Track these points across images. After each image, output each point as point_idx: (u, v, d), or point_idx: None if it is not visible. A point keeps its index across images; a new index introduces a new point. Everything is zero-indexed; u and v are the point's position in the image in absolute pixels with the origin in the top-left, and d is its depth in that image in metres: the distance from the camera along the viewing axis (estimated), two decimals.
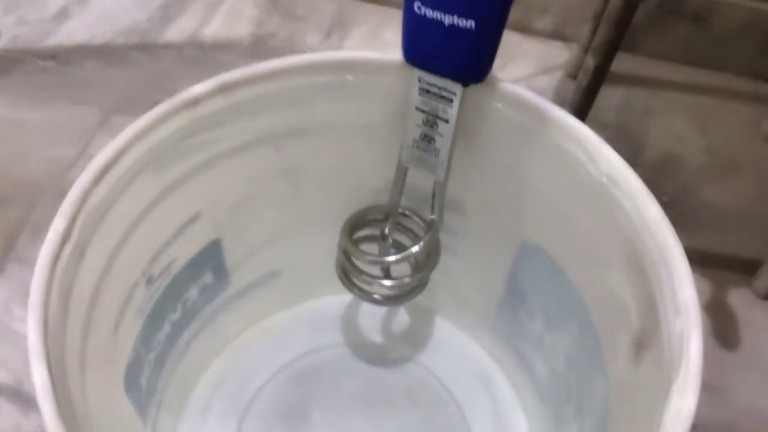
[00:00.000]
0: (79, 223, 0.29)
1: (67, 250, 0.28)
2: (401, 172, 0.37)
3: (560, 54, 0.69)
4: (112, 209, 0.30)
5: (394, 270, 0.39)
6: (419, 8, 0.30)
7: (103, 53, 0.68)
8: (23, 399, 0.45)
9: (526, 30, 0.70)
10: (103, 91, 0.65)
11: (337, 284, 0.40)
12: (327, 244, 0.39)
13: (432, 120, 0.34)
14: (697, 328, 0.27)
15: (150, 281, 0.34)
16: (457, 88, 0.32)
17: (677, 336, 0.27)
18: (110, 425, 0.31)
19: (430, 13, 0.30)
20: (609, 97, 0.65)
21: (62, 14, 0.71)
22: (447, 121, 0.33)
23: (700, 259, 0.57)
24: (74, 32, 0.70)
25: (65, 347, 0.27)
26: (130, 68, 0.67)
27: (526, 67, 0.67)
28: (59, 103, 0.64)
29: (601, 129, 0.32)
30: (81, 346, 0.29)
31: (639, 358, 0.30)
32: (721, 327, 0.55)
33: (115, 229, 0.31)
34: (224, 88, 0.33)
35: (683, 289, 0.27)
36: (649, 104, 0.67)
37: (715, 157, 0.64)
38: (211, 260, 0.38)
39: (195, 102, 0.32)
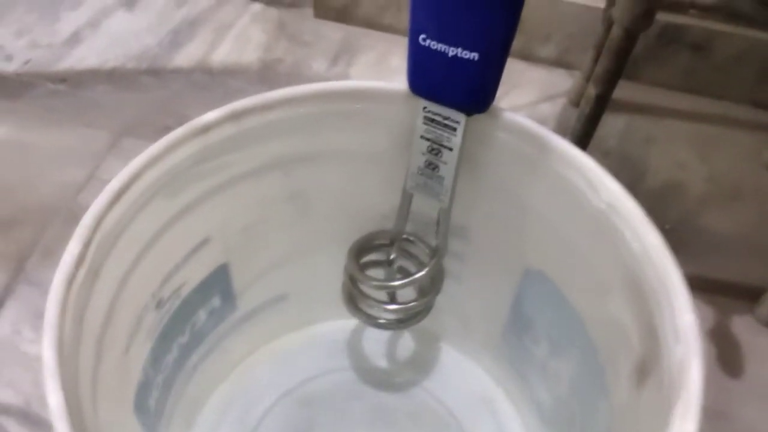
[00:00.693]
0: (93, 247, 0.29)
1: (82, 272, 0.29)
2: (406, 198, 0.37)
3: (563, 82, 0.70)
4: (125, 233, 0.31)
5: (400, 295, 0.40)
6: (424, 40, 0.31)
7: (114, 77, 0.69)
8: (32, 421, 0.46)
9: (529, 58, 0.71)
10: (113, 114, 0.66)
11: (343, 309, 0.40)
12: (334, 268, 0.40)
13: (436, 148, 0.34)
14: (697, 354, 0.27)
15: (160, 304, 0.35)
16: (461, 117, 0.33)
17: (678, 362, 0.27)
18: None
19: (434, 45, 0.31)
20: (611, 124, 0.66)
21: (74, 39, 0.73)
22: (451, 150, 0.34)
23: (702, 287, 0.58)
24: (85, 56, 0.71)
25: (79, 369, 0.28)
26: (140, 92, 0.68)
27: (529, 95, 0.68)
28: (70, 127, 0.65)
29: (602, 156, 0.33)
30: (94, 368, 0.30)
31: (641, 384, 0.31)
32: (725, 354, 0.55)
33: (127, 252, 0.32)
34: (235, 116, 0.33)
35: (683, 316, 0.28)
36: (651, 132, 0.67)
37: (717, 185, 0.64)
38: (219, 284, 0.39)
39: (206, 129, 0.33)
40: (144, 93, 0.68)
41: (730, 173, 0.65)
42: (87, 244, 0.29)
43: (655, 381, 0.29)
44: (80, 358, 0.28)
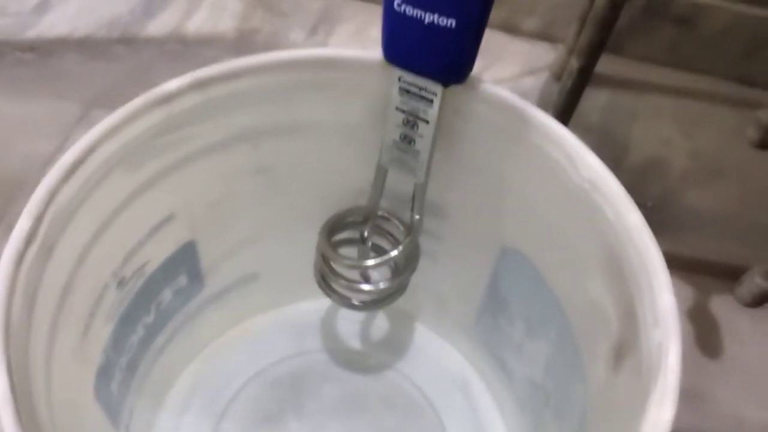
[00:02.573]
0: (45, 222, 0.28)
1: (33, 249, 0.27)
2: (381, 173, 0.36)
3: (546, 55, 0.68)
4: (81, 208, 0.29)
5: (373, 274, 0.39)
6: (399, 5, 0.29)
7: (84, 46, 0.67)
8: None
9: (512, 30, 0.69)
10: (83, 84, 0.64)
11: (316, 288, 0.39)
12: (306, 246, 0.39)
13: (412, 121, 0.33)
14: (675, 338, 0.26)
15: (122, 283, 0.33)
16: (437, 88, 0.31)
17: (656, 345, 0.27)
18: (78, 430, 0.30)
19: (410, 10, 0.29)
20: (593, 99, 0.65)
21: (43, 6, 0.70)
22: (427, 122, 0.33)
23: (683, 265, 0.57)
24: (55, 24, 0.69)
25: (29, 351, 0.27)
26: (111, 62, 0.66)
27: (512, 68, 0.67)
28: (38, 97, 0.63)
29: (585, 132, 0.32)
30: (47, 350, 0.28)
31: (618, 366, 0.30)
32: (704, 334, 0.55)
33: (84, 228, 0.30)
34: (200, 84, 0.32)
35: (662, 298, 0.27)
36: (634, 107, 0.66)
37: (700, 162, 0.64)
38: (185, 262, 0.37)
39: (169, 98, 0.31)
40: (115, 63, 0.66)
41: (713, 150, 0.65)
42: (39, 220, 0.27)
43: (632, 364, 0.29)
44: (31, 339, 0.27)
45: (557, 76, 0.65)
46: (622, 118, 0.65)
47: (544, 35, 0.69)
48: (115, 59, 0.66)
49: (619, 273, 0.30)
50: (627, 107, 0.66)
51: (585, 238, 0.32)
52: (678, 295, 0.27)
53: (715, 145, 0.65)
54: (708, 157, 0.64)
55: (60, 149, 0.58)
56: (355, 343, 0.46)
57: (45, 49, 0.67)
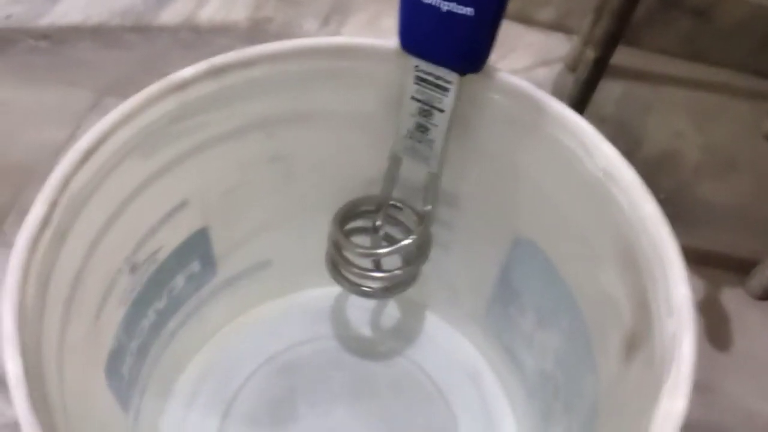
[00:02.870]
0: (60, 208, 0.28)
1: (47, 234, 0.27)
2: (394, 162, 0.36)
3: (561, 46, 0.68)
4: (95, 194, 0.30)
5: (385, 263, 0.39)
6: None
7: (98, 34, 0.67)
8: (6, 386, 0.44)
9: (527, 21, 0.69)
10: (96, 72, 0.64)
11: (327, 276, 0.39)
12: (318, 234, 0.39)
13: (427, 110, 0.33)
14: (690, 328, 0.26)
15: (134, 269, 0.34)
16: (453, 77, 0.31)
17: (669, 336, 0.26)
18: (88, 414, 0.31)
19: None
20: (608, 91, 0.64)
21: None
22: (442, 111, 0.32)
23: (695, 258, 0.56)
24: (68, 12, 0.68)
25: (42, 334, 0.27)
26: (124, 50, 0.66)
27: (526, 59, 0.66)
28: (51, 85, 0.63)
29: (599, 123, 0.31)
30: (59, 334, 0.28)
31: (630, 358, 0.30)
32: (714, 327, 0.55)
33: (98, 214, 0.30)
34: (215, 72, 0.32)
35: (677, 289, 0.27)
36: (649, 99, 0.66)
37: (714, 155, 0.63)
38: (198, 248, 0.37)
39: (184, 85, 0.31)
40: (128, 51, 0.66)
41: (727, 143, 0.64)
42: (53, 205, 0.27)
43: (644, 356, 0.28)
44: (45, 323, 0.27)
45: (571, 68, 0.65)
46: (637, 110, 0.65)
47: (558, 26, 0.69)
48: (128, 47, 0.67)
49: (633, 263, 0.29)
50: (642, 99, 0.66)
51: (599, 229, 0.31)
52: (689, 287, 0.27)
53: (729, 138, 0.65)
54: (722, 150, 0.64)
55: (72, 137, 0.58)
56: (366, 331, 0.46)
57: (58, 37, 0.67)
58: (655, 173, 0.63)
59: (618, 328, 0.31)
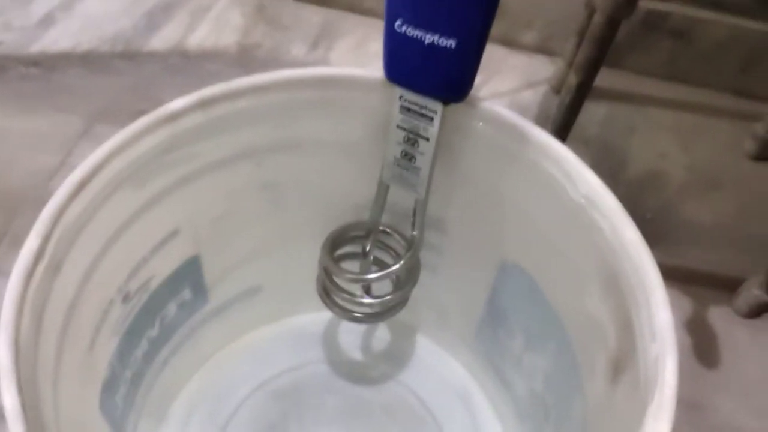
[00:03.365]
0: (53, 241, 0.28)
1: (41, 267, 0.28)
2: (382, 189, 0.37)
3: (545, 68, 0.69)
4: (88, 225, 0.30)
5: (375, 288, 0.39)
6: (400, 26, 0.30)
7: (88, 61, 0.68)
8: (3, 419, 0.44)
9: (510, 44, 0.70)
10: (86, 99, 0.64)
11: (318, 301, 0.40)
12: (308, 260, 0.39)
13: (413, 138, 0.34)
14: (672, 352, 0.27)
15: (127, 298, 0.34)
16: (437, 106, 0.32)
17: (653, 360, 0.27)
18: None
19: (411, 31, 0.30)
20: (592, 112, 0.66)
21: (47, 21, 0.71)
22: (428, 140, 0.33)
23: (681, 277, 0.57)
24: (59, 39, 0.69)
25: (37, 366, 0.27)
26: (114, 76, 0.67)
27: (511, 82, 0.68)
28: (42, 111, 0.63)
29: (583, 145, 0.32)
30: (54, 365, 0.29)
31: (616, 380, 0.30)
32: (702, 345, 0.55)
33: (91, 245, 0.31)
34: (204, 104, 0.32)
35: (659, 313, 0.27)
36: (632, 120, 0.67)
37: (698, 174, 0.64)
38: (189, 276, 0.38)
39: (174, 117, 0.32)
40: (118, 77, 0.67)
41: (711, 162, 0.65)
42: (46, 239, 0.28)
43: (629, 378, 0.29)
44: (39, 355, 0.27)
45: (556, 90, 0.66)
46: (621, 131, 0.66)
47: (542, 49, 0.70)
48: (118, 73, 0.67)
49: (616, 288, 0.30)
50: (625, 120, 0.67)
51: (583, 254, 0.32)
52: (676, 306, 0.27)
53: (712, 157, 0.66)
54: (705, 169, 0.65)
55: (63, 163, 0.58)
56: (357, 355, 0.46)
57: (49, 64, 0.67)
58: (640, 193, 0.64)
59: (603, 351, 0.31)
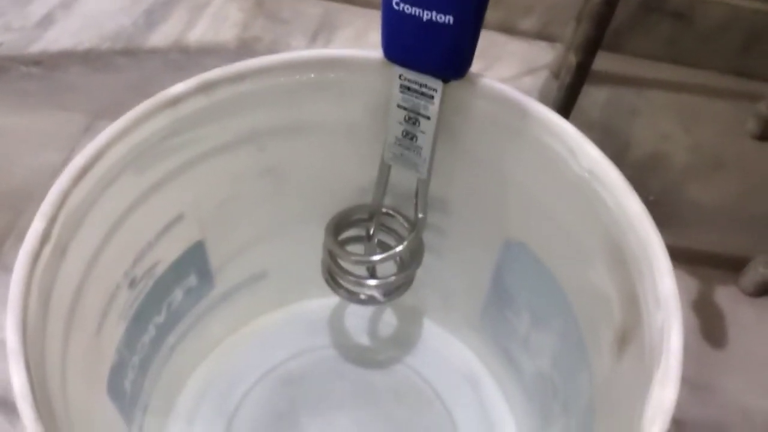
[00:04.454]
0: (59, 224, 0.28)
1: (47, 250, 0.28)
2: (384, 170, 0.37)
3: (545, 54, 0.69)
4: (93, 210, 0.30)
5: (380, 269, 0.39)
6: (397, 4, 0.30)
7: (88, 59, 0.68)
8: (9, 408, 0.45)
9: (510, 30, 0.70)
10: (88, 96, 0.64)
11: (324, 286, 0.40)
12: (313, 245, 0.39)
13: (414, 117, 0.34)
14: (677, 320, 0.27)
15: (133, 283, 0.34)
16: (437, 84, 0.32)
17: (658, 329, 0.27)
18: (92, 429, 0.31)
19: (408, 9, 0.30)
20: (594, 96, 0.66)
21: (47, 20, 0.71)
22: (428, 118, 0.33)
23: (686, 258, 0.57)
24: (59, 38, 0.69)
25: (45, 349, 0.27)
26: (115, 73, 0.67)
27: (511, 68, 0.68)
28: (44, 110, 0.64)
29: (586, 129, 0.32)
30: (62, 349, 0.29)
31: (622, 353, 0.30)
32: (709, 325, 0.55)
33: (96, 229, 0.31)
34: (205, 87, 0.32)
35: (663, 282, 0.27)
36: (634, 103, 0.67)
37: (701, 156, 0.64)
38: (195, 262, 0.38)
39: (176, 101, 0.32)
40: (119, 74, 0.67)
41: (713, 143, 0.65)
42: (52, 221, 0.28)
43: (635, 350, 0.29)
44: (47, 338, 0.27)
45: (556, 75, 0.66)
46: (623, 115, 0.66)
47: (542, 35, 0.70)
48: (119, 71, 0.67)
49: (620, 260, 0.30)
50: (627, 103, 0.67)
51: (587, 228, 0.32)
52: (682, 287, 0.27)
53: (715, 138, 0.66)
54: (708, 150, 0.65)
55: (67, 160, 0.57)
56: (364, 339, 0.46)
57: (50, 63, 0.68)
58: (643, 176, 0.64)
59: (609, 324, 0.31)
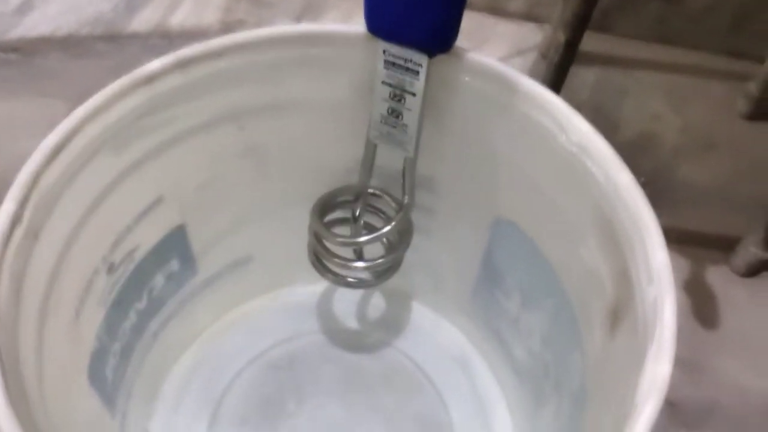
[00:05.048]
0: (30, 206, 0.27)
1: (18, 233, 0.27)
2: (370, 149, 0.36)
3: (534, 35, 0.68)
4: (67, 191, 0.29)
5: (368, 252, 0.38)
6: None
7: (68, 44, 0.67)
8: None
9: (498, 12, 0.69)
10: (67, 82, 0.63)
11: (311, 270, 0.39)
12: (298, 228, 0.38)
13: (399, 94, 0.33)
14: (670, 294, 0.26)
15: (112, 268, 0.33)
16: (422, 59, 0.31)
17: (651, 304, 0.26)
18: (72, 415, 0.30)
19: None
20: (583, 77, 0.65)
21: (25, 6, 0.69)
22: (414, 95, 0.32)
23: (678, 238, 0.57)
24: (37, 24, 0.68)
25: (18, 335, 0.26)
26: (95, 59, 0.66)
27: (500, 50, 0.67)
28: (23, 96, 0.62)
29: (575, 110, 0.32)
30: (37, 334, 0.28)
31: (614, 330, 0.30)
32: (701, 306, 0.55)
33: (71, 212, 0.30)
34: (182, 64, 0.31)
35: (656, 255, 0.27)
36: (624, 84, 0.66)
37: (691, 136, 0.63)
38: (176, 246, 0.37)
39: (151, 78, 0.31)
40: (99, 60, 0.66)
41: (704, 123, 0.64)
42: (23, 203, 0.27)
43: (628, 326, 0.28)
44: (21, 323, 0.26)
45: (545, 56, 0.65)
46: (613, 96, 0.65)
47: (530, 16, 0.69)
48: (99, 56, 0.66)
49: (612, 235, 0.29)
50: (617, 84, 0.66)
51: (577, 203, 0.31)
52: (673, 268, 0.27)
53: (705, 118, 0.65)
54: (699, 130, 0.64)
55: None
56: (353, 324, 0.45)
57: (28, 49, 0.66)
58: (633, 157, 0.62)
59: (601, 301, 0.31)
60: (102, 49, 0.66)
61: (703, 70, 0.68)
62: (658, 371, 0.24)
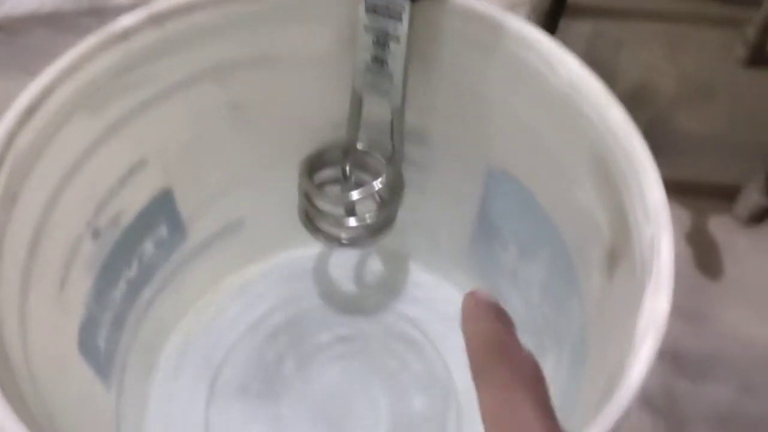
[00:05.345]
0: (6, 168, 0.27)
1: None
2: (356, 101, 0.35)
3: None
4: (44, 153, 0.28)
5: (360, 210, 0.37)
6: None
7: (53, 20, 0.66)
8: None
9: None
10: (53, 59, 0.62)
11: (306, 235, 0.38)
12: (289, 190, 0.38)
13: (382, 39, 0.32)
14: (667, 231, 0.25)
15: (96, 234, 0.32)
16: (404, 2, 0.30)
17: (648, 242, 0.26)
18: (63, 385, 0.30)
19: None
20: (578, 30, 0.63)
21: None
22: (398, 41, 0.31)
23: (678, 189, 0.56)
24: (21, 1, 0.67)
25: (1, 302, 0.26)
26: (80, 34, 0.64)
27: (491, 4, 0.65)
28: (9, 74, 0.61)
29: None
30: (20, 303, 0.27)
31: (612, 272, 0.29)
32: (703, 256, 0.54)
33: (49, 175, 0.29)
34: (156, 19, 0.30)
35: (651, 193, 0.26)
36: (619, 35, 0.65)
37: (688, 85, 0.62)
38: (163, 211, 0.36)
39: (125, 35, 0.30)
40: (85, 35, 0.64)
41: (701, 72, 0.63)
42: None
43: (625, 267, 0.28)
44: (2, 289, 0.26)
45: (536, 7, 0.63)
46: (608, 47, 0.64)
47: None
48: (84, 31, 0.64)
49: (607, 175, 0.28)
50: (612, 36, 0.65)
51: (571, 146, 0.31)
52: (675, 218, 0.26)
53: (702, 66, 0.64)
54: (696, 79, 0.63)
55: None
56: (350, 287, 0.45)
57: (13, 27, 0.66)
58: (631, 108, 0.61)
59: (598, 245, 0.30)
60: (87, 23, 0.65)
61: (698, 18, 0.66)
62: (656, 307, 0.23)
